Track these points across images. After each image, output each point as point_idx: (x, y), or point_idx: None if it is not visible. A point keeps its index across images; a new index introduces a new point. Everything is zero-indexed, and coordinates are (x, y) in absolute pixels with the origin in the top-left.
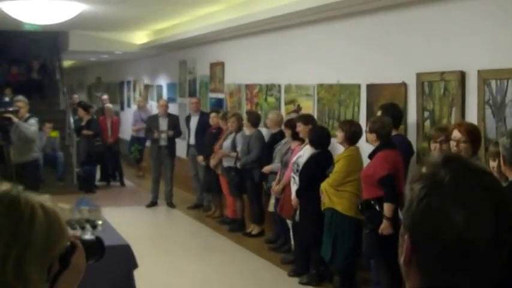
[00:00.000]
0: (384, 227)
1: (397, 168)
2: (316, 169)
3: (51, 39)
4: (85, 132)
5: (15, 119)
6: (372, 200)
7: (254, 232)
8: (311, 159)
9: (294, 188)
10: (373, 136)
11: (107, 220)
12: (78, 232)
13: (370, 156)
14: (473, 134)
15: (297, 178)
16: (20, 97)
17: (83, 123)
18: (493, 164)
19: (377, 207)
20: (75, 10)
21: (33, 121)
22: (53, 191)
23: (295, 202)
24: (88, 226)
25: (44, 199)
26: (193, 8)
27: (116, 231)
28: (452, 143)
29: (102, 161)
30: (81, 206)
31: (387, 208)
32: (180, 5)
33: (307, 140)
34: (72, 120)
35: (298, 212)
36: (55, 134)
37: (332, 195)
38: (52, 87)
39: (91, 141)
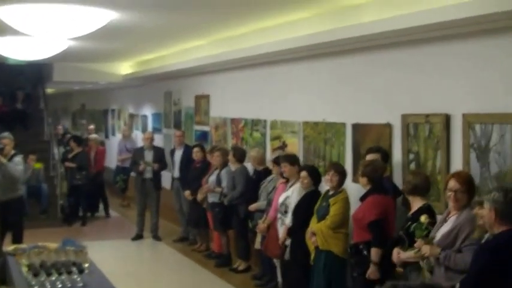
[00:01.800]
0: (371, 272)
1: (387, 213)
2: (309, 208)
3: (35, 71)
4: (67, 164)
5: (1, 159)
6: (360, 244)
7: (240, 268)
8: (305, 199)
9: (281, 229)
10: (364, 180)
11: (93, 261)
12: (64, 276)
13: (362, 199)
14: (469, 184)
15: (285, 219)
16: (6, 134)
17: (70, 155)
18: None
19: (365, 252)
20: (61, 46)
21: (18, 159)
22: (36, 225)
23: (282, 242)
24: (75, 270)
25: None
26: (178, 42)
27: (103, 274)
28: (449, 194)
29: (86, 193)
30: (66, 247)
31: (374, 253)
32: (165, 39)
33: (292, 180)
34: (56, 150)
35: (288, 250)
36: (39, 165)
37: (329, 238)
38: (36, 118)
39: (74, 173)
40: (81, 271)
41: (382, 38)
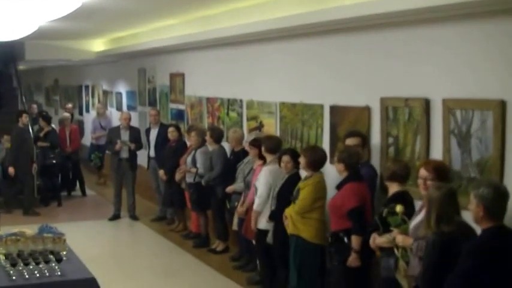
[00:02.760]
0: (352, 260)
1: (365, 200)
2: (292, 191)
3: (7, 50)
4: (40, 143)
5: None
6: (340, 233)
7: (219, 249)
8: (288, 182)
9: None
10: (341, 166)
11: (71, 247)
12: (41, 264)
13: (338, 187)
14: (440, 172)
15: (257, 200)
16: None
17: (42, 134)
18: None
19: (345, 240)
20: (31, 28)
21: None
22: (13, 205)
23: (253, 224)
24: (52, 258)
25: None
26: (153, 21)
27: (81, 262)
28: (420, 181)
29: (60, 172)
30: (44, 233)
31: (355, 241)
32: (139, 17)
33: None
34: (31, 130)
35: (270, 234)
36: None
37: (298, 223)
38: (10, 97)
39: (46, 152)
40: (59, 260)
41: (362, 21)
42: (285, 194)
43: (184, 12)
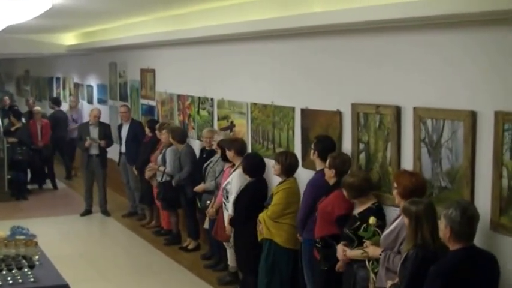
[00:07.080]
0: (340, 265)
1: (352, 207)
2: (253, 198)
3: None
4: (10, 140)
5: None
6: (328, 238)
7: (190, 247)
8: (247, 188)
9: (226, 213)
10: (331, 172)
11: (43, 249)
12: (14, 270)
13: (327, 193)
14: (411, 185)
15: (228, 204)
16: None
17: (13, 129)
18: None
19: (336, 245)
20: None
21: None
22: None
23: (228, 229)
24: (25, 264)
25: None
26: (124, 17)
27: (54, 267)
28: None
29: (30, 167)
30: (16, 236)
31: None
32: (111, 15)
33: (236, 165)
34: (1, 123)
35: (232, 240)
36: None
37: (271, 227)
38: None
39: (15, 148)
40: (32, 267)
41: (333, 27)
42: (243, 200)
43: (156, 10)
